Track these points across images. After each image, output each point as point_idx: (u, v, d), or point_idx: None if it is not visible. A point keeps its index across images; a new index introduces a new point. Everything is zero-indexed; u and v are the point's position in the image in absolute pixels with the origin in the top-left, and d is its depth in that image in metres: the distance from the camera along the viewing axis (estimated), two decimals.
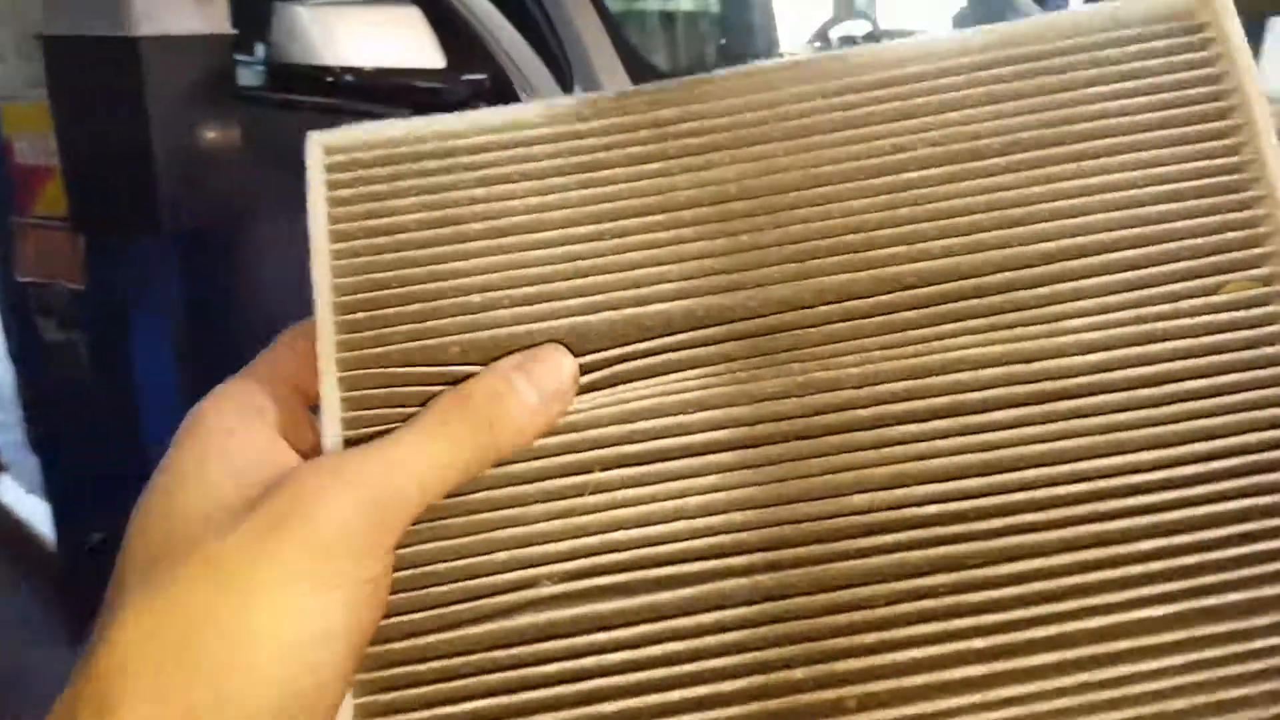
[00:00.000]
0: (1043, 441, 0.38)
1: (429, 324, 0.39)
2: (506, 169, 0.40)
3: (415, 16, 1.68)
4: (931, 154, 0.40)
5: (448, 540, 0.37)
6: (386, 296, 0.39)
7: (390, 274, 0.39)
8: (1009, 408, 0.38)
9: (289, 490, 0.33)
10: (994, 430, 0.38)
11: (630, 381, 0.38)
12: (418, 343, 0.39)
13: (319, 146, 0.40)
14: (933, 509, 0.37)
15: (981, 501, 0.37)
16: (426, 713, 0.36)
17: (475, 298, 0.39)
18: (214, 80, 1.56)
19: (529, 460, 0.38)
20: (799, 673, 0.36)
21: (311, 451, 0.38)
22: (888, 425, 0.38)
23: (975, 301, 0.39)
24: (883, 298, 0.39)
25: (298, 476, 0.33)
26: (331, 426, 0.38)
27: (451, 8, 1.77)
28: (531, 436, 0.37)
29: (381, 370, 0.38)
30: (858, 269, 0.39)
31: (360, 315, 0.39)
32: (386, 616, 0.36)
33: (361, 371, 0.38)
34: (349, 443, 0.37)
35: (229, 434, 0.36)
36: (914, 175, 0.40)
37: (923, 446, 0.38)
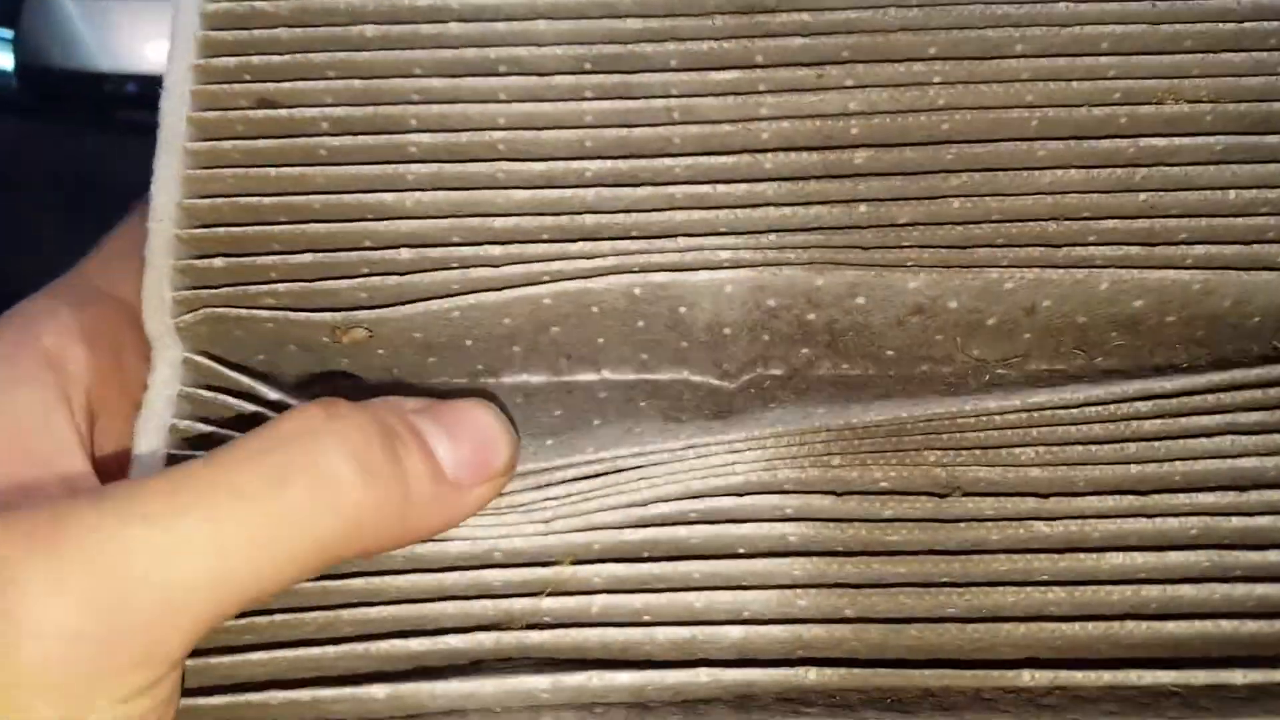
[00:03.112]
0: None
1: (324, 285, 0.23)
2: (487, 52, 0.24)
3: None
4: (1219, 110, 0.24)
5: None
6: (264, 235, 0.24)
7: (274, 199, 0.24)
8: None
9: None
10: None
11: (645, 456, 0.23)
12: (304, 314, 0.23)
13: None
14: None
15: None
16: None
17: (404, 253, 0.23)
18: None
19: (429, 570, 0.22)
20: None
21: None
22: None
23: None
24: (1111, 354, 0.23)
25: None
26: (150, 435, 0.23)
27: None
28: (435, 529, 0.21)
29: (248, 345, 0.23)
30: (1060, 288, 0.23)
31: (217, 262, 0.24)
32: None
33: (208, 360, 0.23)
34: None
35: None
36: (1174, 143, 0.24)
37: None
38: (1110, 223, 0.23)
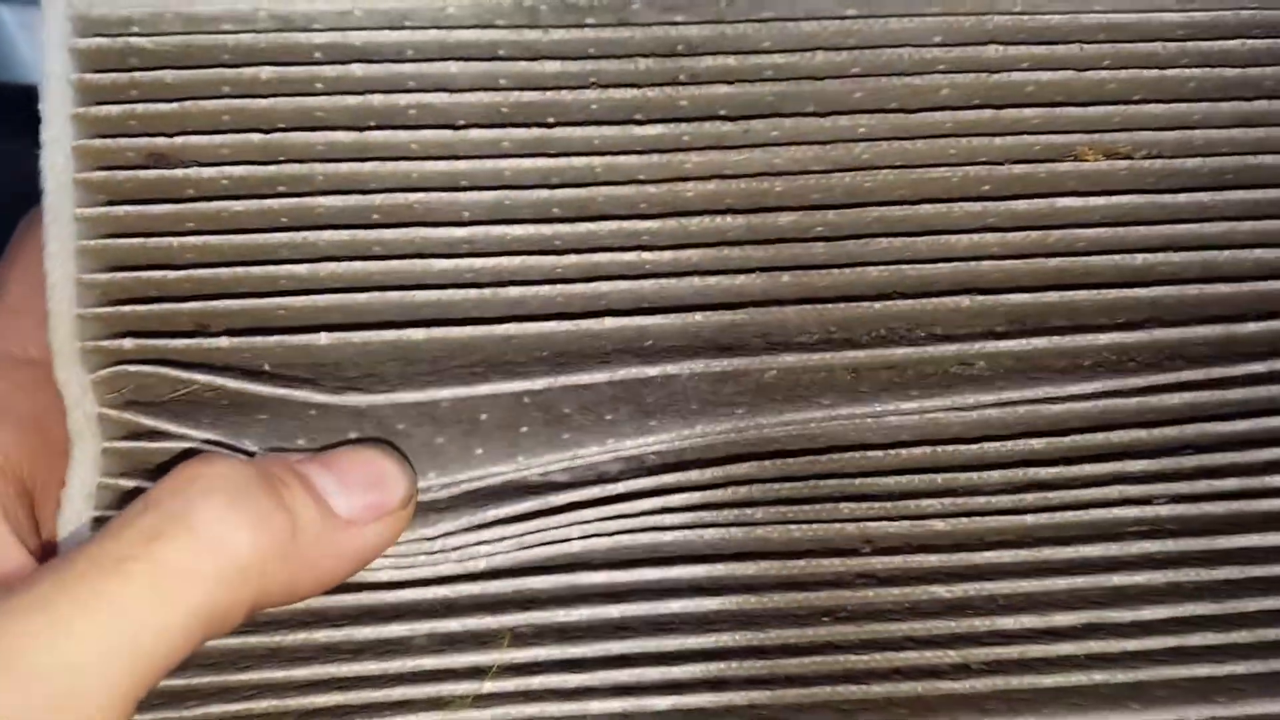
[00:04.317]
0: None
1: (231, 343, 0.23)
2: (396, 100, 0.23)
3: None
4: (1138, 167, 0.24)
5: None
6: (172, 312, 0.23)
7: (180, 274, 0.23)
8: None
9: None
10: None
11: (571, 503, 0.24)
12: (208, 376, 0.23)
13: (62, 19, 0.22)
14: None
15: None
16: None
17: (323, 338, 0.23)
18: None
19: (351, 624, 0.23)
20: None
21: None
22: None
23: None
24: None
25: None
26: (74, 505, 0.23)
27: None
28: (337, 573, 0.22)
29: (159, 409, 0.23)
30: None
31: (127, 344, 0.23)
32: None
33: (143, 444, 0.23)
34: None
35: None
36: (1088, 203, 0.24)
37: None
38: (1019, 297, 0.24)
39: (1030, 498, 0.24)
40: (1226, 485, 0.24)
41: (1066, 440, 0.24)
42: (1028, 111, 0.24)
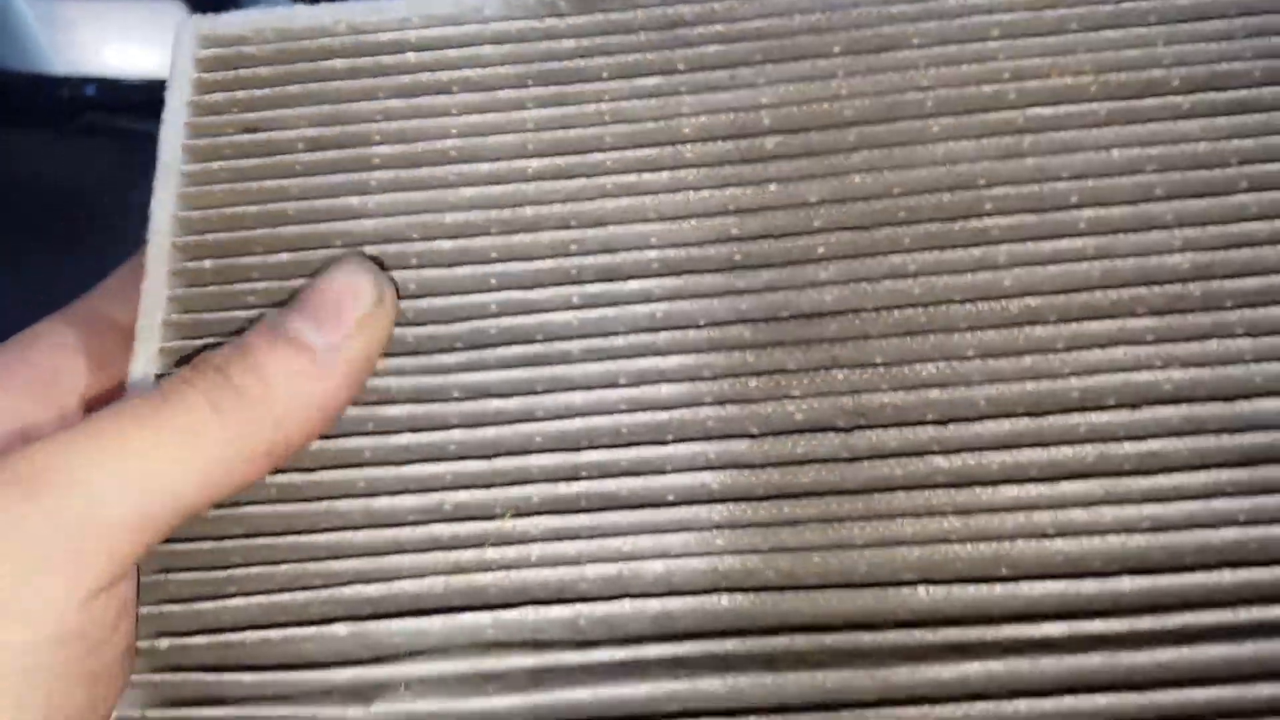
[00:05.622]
0: None
1: (292, 257, 0.26)
2: (440, 75, 0.28)
3: (179, 17, 1.11)
4: (1095, 88, 0.26)
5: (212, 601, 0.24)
6: (246, 240, 0.27)
7: (256, 208, 0.27)
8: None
9: None
10: None
11: (573, 376, 0.25)
12: (279, 309, 0.26)
13: (193, 35, 0.29)
14: None
15: None
16: None
17: (366, 250, 0.26)
18: None
19: (377, 464, 0.25)
20: None
21: None
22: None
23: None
24: (1007, 303, 0.24)
25: None
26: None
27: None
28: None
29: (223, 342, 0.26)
30: (962, 264, 0.25)
31: (207, 264, 0.27)
32: None
33: (194, 343, 0.26)
34: None
35: None
36: (1060, 110, 0.26)
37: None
38: (1002, 189, 0.25)
39: (1029, 360, 0.24)
40: (1240, 345, 0.23)
41: (1062, 299, 0.24)
42: (992, 44, 0.27)
